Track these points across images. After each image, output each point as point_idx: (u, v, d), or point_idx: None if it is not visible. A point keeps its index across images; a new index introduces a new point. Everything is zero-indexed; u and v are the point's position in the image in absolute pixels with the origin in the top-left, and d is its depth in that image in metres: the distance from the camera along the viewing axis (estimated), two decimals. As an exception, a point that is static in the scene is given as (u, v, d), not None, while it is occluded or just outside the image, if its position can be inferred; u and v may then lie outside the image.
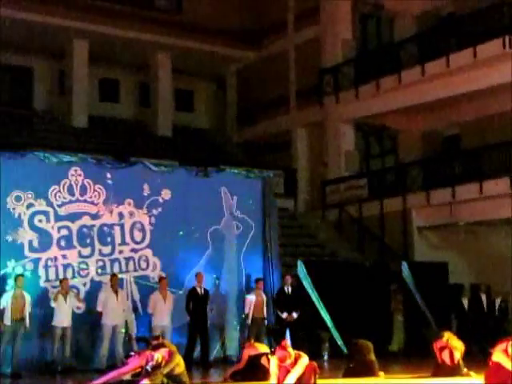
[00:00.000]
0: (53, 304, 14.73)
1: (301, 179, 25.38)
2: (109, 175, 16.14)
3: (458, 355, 12.98)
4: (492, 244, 21.67)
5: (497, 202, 19.67)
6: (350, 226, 22.56)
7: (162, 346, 10.08)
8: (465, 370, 12.92)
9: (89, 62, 25.33)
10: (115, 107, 27.13)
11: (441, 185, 20.83)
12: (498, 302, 19.01)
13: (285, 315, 16.65)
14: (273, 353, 9.72)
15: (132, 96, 27.72)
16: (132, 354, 11.16)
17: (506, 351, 9.78)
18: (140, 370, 10.23)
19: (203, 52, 26.80)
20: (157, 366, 9.84)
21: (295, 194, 24.56)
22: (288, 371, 9.49)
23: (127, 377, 10.80)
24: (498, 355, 9.76)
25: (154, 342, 10.20)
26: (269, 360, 12.60)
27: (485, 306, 18.79)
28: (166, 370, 9.80)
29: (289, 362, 9.53)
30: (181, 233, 16.75)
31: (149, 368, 9.86)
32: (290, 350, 9.70)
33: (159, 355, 9.89)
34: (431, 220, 21.45)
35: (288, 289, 17.06)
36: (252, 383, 12.31)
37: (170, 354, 9.96)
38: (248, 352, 12.98)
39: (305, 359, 9.60)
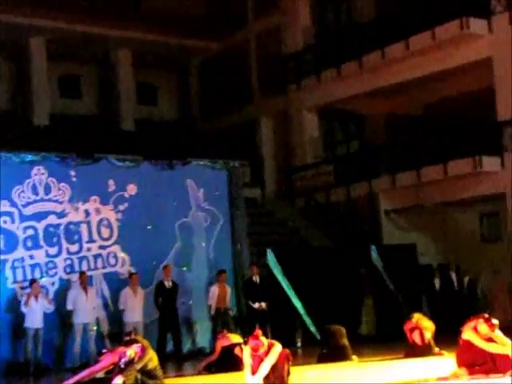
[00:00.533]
0: (24, 309, 14.59)
1: (267, 168, 25.38)
2: (73, 173, 16.00)
3: (428, 335, 13.11)
4: (459, 224, 21.89)
5: (462, 182, 19.84)
6: (318, 213, 22.62)
7: (135, 341, 10.03)
8: (436, 349, 13.06)
9: (47, 59, 25.05)
10: (77, 104, 26.88)
11: (406, 168, 20.94)
12: (466, 280, 19.22)
13: (256, 305, 16.68)
14: (245, 343, 9.71)
15: (93, 92, 27.46)
16: (104, 351, 11.09)
17: (475, 329, 9.88)
18: (113, 367, 10.17)
19: (164, 44, 26.63)
20: (130, 362, 9.79)
21: (262, 183, 24.56)
22: (261, 360, 9.48)
23: (100, 374, 10.75)
24: (468, 333, 9.87)
25: (127, 338, 10.14)
26: (242, 350, 12.63)
27: (455, 285, 18.98)
28: (139, 366, 9.77)
29: (262, 350, 9.52)
30: (149, 227, 16.66)
31: (122, 365, 9.81)
32: (263, 338, 9.70)
33: (132, 351, 9.84)
34: (398, 203, 21.58)
35: (256, 278, 17.09)
36: (226, 374, 12.34)
37: (143, 349, 9.91)
38: (221, 343, 13.00)
39: (278, 347, 9.61)
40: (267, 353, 9.52)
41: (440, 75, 21.13)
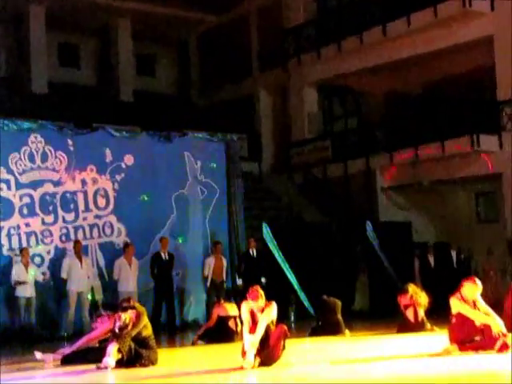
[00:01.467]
0: (14, 278, 14.62)
1: (265, 142, 25.34)
2: (70, 142, 15.99)
3: (421, 313, 13.19)
4: (455, 203, 21.91)
5: (459, 160, 19.83)
6: (314, 188, 22.62)
7: (131, 307, 10.07)
8: (428, 325, 13.14)
9: (47, 27, 24.89)
10: (75, 73, 26.75)
11: (404, 145, 20.92)
12: (462, 258, 19.29)
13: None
14: (245, 298, 9.67)
15: (92, 61, 27.31)
16: (102, 313, 11.11)
17: (461, 298, 9.93)
18: (109, 334, 10.21)
19: (164, 16, 26.45)
20: (124, 328, 9.83)
21: (260, 157, 24.53)
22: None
23: (95, 343, 10.81)
24: (455, 304, 9.90)
25: (124, 304, 10.17)
26: (236, 323, 12.68)
27: (454, 263, 19.04)
28: (134, 332, 9.81)
29: (261, 303, 9.47)
30: (145, 198, 16.68)
31: (117, 330, 9.86)
32: (261, 291, 9.67)
33: (127, 316, 9.89)
34: (395, 180, 21.58)
35: (253, 252, 17.13)
36: (219, 345, 12.41)
37: (138, 316, 9.96)
38: (217, 311, 13.04)
39: (274, 307, 9.58)
40: (263, 310, 9.49)
41: (440, 53, 21.06)
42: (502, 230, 19.77)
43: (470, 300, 9.92)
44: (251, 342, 9.24)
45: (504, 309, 11.43)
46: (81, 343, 10.76)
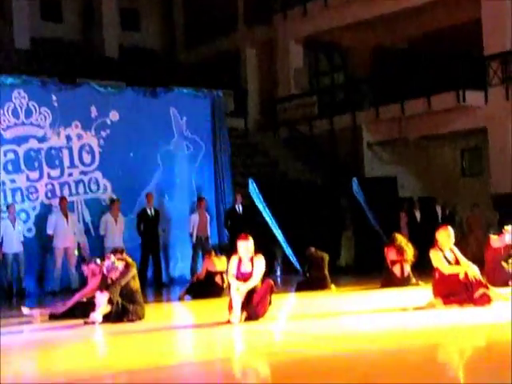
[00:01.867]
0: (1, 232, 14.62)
1: (251, 98, 25.21)
2: (54, 97, 15.86)
3: (408, 268, 13.27)
4: (440, 158, 21.97)
5: (445, 116, 19.84)
6: (300, 144, 22.60)
7: (121, 259, 10.14)
8: (414, 280, 13.25)
9: (29, -19, 24.50)
10: (59, 28, 26.40)
11: (390, 100, 20.88)
12: (446, 213, 19.38)
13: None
14: (235, 252, 9.73)
15: (76, 16, 26.94)
16: (92, 261, 11.10)
17: (439, 248, 10.08)
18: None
19: (148, -31, 26.09)
20: (113, 270, 9.94)
21: (245, 112, 24.42)
22: (246, 276, 9.48)
23: (82, 299, 10.86)
24: (434, 258, 10.03)
25: (118, 256, 10.25)
26: (223, 279, 12.74)
27: (439, 217, 19.14)
28: (123, 282, 9.88)
29: (251, 246, 9.53)
30: (131, 154, 16.63)
31: (105, 270, 9.97)
32: (250, 238, 9.74)
33: (117, 261, 9.99)
34: (381, 136, 21.58)
35: (239, 208, 17.16)
36: (205, 300, 12.49)
37: (127, 266, 10.04)
38: (206, 265, 13.08)
39: (263, 259, 9.67)
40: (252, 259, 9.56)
41: (427, 7, 20.93)
42: (486, 184, 19.88)
43: (447, 248, 10.05)
44: (240, 288, 9.27)
45: (486, 262, 11.56)
46: (73, 302, 10.77)
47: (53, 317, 10.53)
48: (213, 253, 13.33)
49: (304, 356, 7.03)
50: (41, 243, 15.34)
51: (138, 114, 16.76)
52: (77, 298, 10.77)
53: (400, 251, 13.27)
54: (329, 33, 23.50)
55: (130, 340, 8.72)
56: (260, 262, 9.57)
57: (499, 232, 12.77)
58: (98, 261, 10.74)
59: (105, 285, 9.93)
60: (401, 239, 13.43)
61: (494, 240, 12.51)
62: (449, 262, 10.05)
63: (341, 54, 25.31)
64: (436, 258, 10.04)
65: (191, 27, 27.57)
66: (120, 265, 10.04)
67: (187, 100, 17.59)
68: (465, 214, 19.52)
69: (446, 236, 10.12)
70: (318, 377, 6.09)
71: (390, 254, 13.36)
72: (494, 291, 9.86)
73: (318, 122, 22.44)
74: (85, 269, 10.95)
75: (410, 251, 13.27)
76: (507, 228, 12.50)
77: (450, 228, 10.23)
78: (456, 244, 10.40)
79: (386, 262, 13.36)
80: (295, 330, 9.03)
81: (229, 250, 16.56)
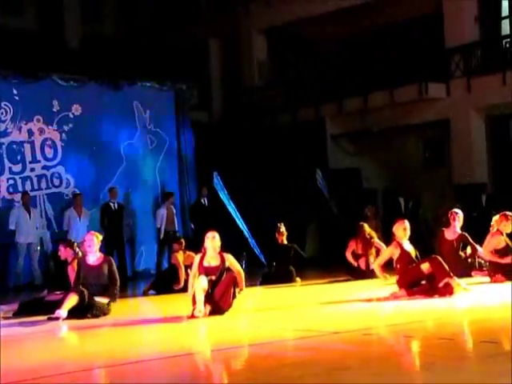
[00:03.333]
0: None
1: (215, 90, 25.13)
2: (15, 91, 15.70)
3: (372, 260, 13.35)
4: (403, 150, 22.11)
5: (407, 108, 19.97)
6: (264, 137, 22.58)
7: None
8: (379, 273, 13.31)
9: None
10: (18, 19, 26.02)
11: (353, 93, 20.96)
12: (410, 205, 19.53)
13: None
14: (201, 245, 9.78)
15: (36, 6, 26.55)
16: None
17: (397, 243, 10.27)
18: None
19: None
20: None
21: (210, 105, 24.35)
22: (210, 273, 9.48)
23: (45, 294, 10.80)
24: (395, 253, 10.23)
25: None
26: (188, 274, 12.69)
27: (403, 209, 19.27)
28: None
29: (216, 243, 9.58)
30: (94, 148, 16.51)
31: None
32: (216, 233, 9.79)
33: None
34: (344, 128, 21.66)
35: (205, 201, 17.14)
36: (169, 295, 12.45)
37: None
38: (174, 257, 12.97)
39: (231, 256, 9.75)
40: (221, 260, 9.58)
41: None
42: (449, 175, 20.07)
43: (405, 240, 10.18)
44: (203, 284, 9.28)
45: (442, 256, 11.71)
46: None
47: (17, 313, 10.42)
48: (181, 247, 13.15)
49: (270, 349, 7.06)
50: (3, 238, 15.17)
51: (100, 108, 16.65)
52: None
53: (366, 243, 13.33)
54: (292, 24, 23.49)
55: (94, 335, 8.67)
56: (230, 256, 9.63)
57: (447, 223, 12.77)
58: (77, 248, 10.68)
59: (78, 282, 9.89)
60: (368, 230, 13.49)
61: (448, 232, 12.59)
62: (408, 254, 10.19)
63: (305, 45, 25.31)
64: (395, 252, 10.21)
65: (154, 17, 27.38)
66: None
67: (150, 93, 17.51)
68: (429, 205, 19.65)
69: (401, 229, 10.38)
70: (283, 369, 6.11)
71: (356, 247, 13.42)
72: (456, 282, 9.97)
73: (281, 115, 22.45)
74: (61, 250, 10.77)
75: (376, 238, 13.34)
76: (457, 214, 12.50)
77: (405, 221, 10.46)
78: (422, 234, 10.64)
79: (353, 255, 13.39)
80: (259, 322, 9.05)
81: (194, 243, 16.61)
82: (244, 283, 9.69)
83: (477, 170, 19.55)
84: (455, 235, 12.50)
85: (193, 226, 17.19)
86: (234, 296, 9.55)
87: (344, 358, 6.49)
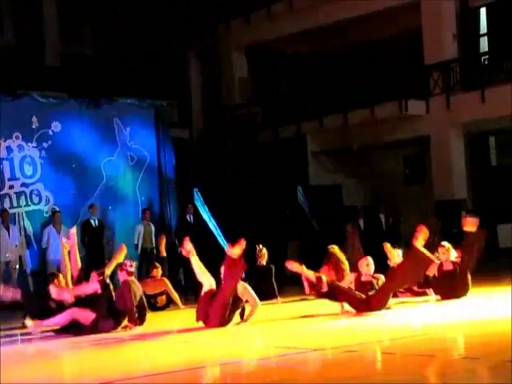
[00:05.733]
0: None
1: (195, 108, 25.13)
2: (-6, 108, 15.59)
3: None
4: (384, 166, 22.20)
5: (387, 125, 20.06)
6: (245, 154, 22.60)
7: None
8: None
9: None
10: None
11: (334, 110, 21.03)
12: (390, 222, 19.58)
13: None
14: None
15: (15, 24, 26.47)
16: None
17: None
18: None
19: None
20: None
21: (190, 122, 24.34)
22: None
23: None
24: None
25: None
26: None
27: (384, 225, 19.31)
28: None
29: None
30: (73, 165, 16.44)
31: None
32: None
33: None
34: (325, 145, 21.72)
35: (190, 218, 17.12)
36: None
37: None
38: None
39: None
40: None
41: (369, 17, 21.15)
42: (429, 191, 20.15)
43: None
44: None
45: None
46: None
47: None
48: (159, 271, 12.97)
49: (250, 366, 7.01)
50: (-19, 256, 15.03)
51: (80, 125, 16.61)
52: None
53: (337, 270, 13.15)
54: (272, 42, 23.60)
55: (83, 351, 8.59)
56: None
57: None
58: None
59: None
60: (339, 255, 13.33)
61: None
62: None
63: (285, 63, 25.39)
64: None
65: (134, 34, 27.35)
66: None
67: (131, 110, 17.50)
68: (408, 221, 19.71)
69: (365, 265, 10.84)
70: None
71: (329, 273, 13.29)
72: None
73: (262, 132, 22.48)
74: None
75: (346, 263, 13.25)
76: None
77: (368, 258, 10.89)
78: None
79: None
80: (239, 339, 8.99)
81: (179, 262, 16.53)
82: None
83: (456, 187, 19.65)
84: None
85: (177, 243, 17.08)
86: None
87: (325, 377, 6.45)
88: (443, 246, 11.66)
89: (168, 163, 17.92)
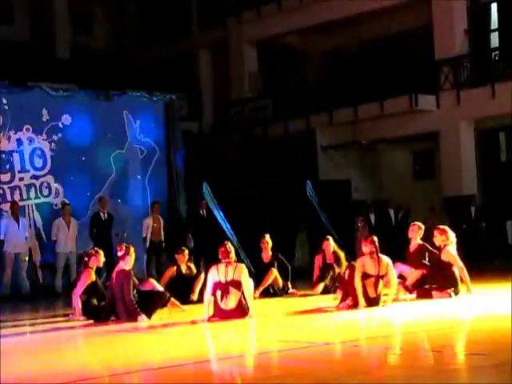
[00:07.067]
0: None
1: (205, 101, 25.15)
2: (5, 100, 15.65)
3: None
4: (393, 161, 22.17)
5: (397, 119, 20.03)
6: (255, 147, 22.60)
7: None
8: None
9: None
10: (9, 29, 26.00)
11: (344, 104, 21.00)
12: (399, 217, 19.53)
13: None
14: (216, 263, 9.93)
15: (27, 17, 26.54)
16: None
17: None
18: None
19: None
20: None
21: (200, 116, 24.35)
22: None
23: None
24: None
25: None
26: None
27: (393, 220, 19.28)
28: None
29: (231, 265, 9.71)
30: (83, 158, 16.47)
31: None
32: (230, 247, 9.92)
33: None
34: (335, 139, 21.70)
35: (203, 212, 17.16)
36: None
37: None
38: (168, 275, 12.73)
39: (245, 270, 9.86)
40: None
41: (380, 12, 21.11)
42: (438, 187, 20.12)
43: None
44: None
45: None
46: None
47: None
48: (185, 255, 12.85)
49: (259, 360, 7.02)
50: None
51: (90, 118, 16.61)
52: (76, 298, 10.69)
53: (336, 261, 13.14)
54: (283, 36, 23.59)
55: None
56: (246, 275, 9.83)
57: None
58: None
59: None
60: (334, 248, 13.32)
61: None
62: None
63: (295, 57, 25.37)
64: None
65: (144, 29, 27.41)
66: None
67: (141, 103, 17.48)
68: (417, 216, 19.66)
69: (367, 248, 10.65)
70: (272, 380, 6.08)
71: (323, 263, 13.30)
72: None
73: (272, 126, 22.48)
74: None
75: (342, 256, 13.21)
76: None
77: (374, 238, 10.68)
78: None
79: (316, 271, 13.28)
80: (248, 333, 9.01)
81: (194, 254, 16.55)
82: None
83: (466, 182, 19.62)
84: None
85: (191, 236, 17.11)
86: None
87: (333, 370, 6.47)
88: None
89: (177, 156, 17.92)
